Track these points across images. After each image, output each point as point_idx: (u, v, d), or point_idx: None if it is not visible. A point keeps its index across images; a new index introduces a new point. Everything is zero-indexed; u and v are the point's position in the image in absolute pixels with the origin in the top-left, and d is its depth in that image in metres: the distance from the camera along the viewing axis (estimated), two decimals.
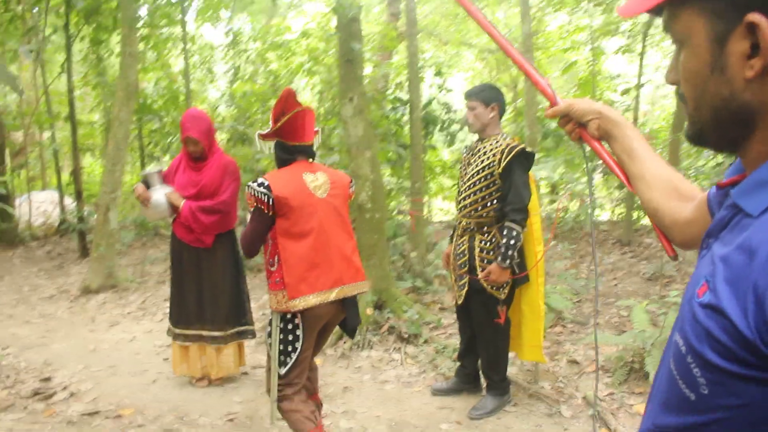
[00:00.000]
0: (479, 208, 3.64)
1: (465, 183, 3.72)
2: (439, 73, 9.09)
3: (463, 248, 3.73)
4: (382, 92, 9.14)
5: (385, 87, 9.44)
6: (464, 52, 17.69)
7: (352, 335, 3.10)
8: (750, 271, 0.67)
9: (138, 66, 10.54)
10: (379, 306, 5.24)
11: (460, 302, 3.79)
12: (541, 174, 6.76)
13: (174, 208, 4.10)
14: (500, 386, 3.78)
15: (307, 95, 12.93)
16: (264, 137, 2.92)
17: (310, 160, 2.98)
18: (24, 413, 3.98)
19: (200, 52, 13.41)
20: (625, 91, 9.07)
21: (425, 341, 4.87)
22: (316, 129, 3.01)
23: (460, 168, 3.87)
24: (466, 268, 3.69)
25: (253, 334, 4.41)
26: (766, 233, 0.68)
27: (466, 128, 10.76)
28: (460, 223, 3.78)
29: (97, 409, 3.98)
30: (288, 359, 2.83)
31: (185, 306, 4.23)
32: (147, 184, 4.13)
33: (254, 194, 2.74)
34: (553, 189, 10.05)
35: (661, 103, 18.63)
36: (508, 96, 12.69)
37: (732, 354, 0.67)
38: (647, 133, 12.18)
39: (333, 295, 2.84)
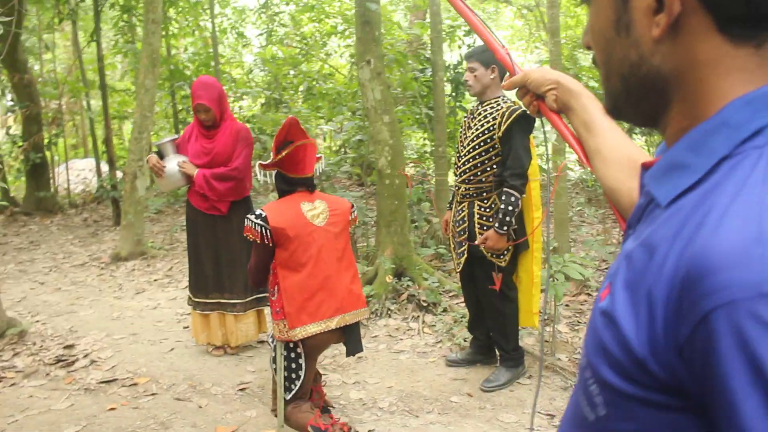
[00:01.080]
0: (478, 173, 3.50)
1: (465, 147, 3.59)
2: (469, 33, 8.80)
3: (462, 215, 3.61)
4: (415, 54, 8.93)
5: (419, 48, 9.21)
6: (504, 10, 17.18)
7: (350, 355, 3.11)
8: (647, 273, 0.55)
9: (163, 32, 10.59)
10: (399, 274, 5.16)
11: (458, 270, 3.71)
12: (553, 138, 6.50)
13: (188, 177, 4.07)
14: (513, 357, 3.67)
15: (342, 60, 12.80)
16: (265, 167, 2.93)
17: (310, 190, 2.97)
18: (46, 380, 4.06)
19: (232, 16, 13.34)
20: None
21: (444, 310, 4.79)
22: (318, 155, 3.02)
23: (460, 132, 3.73)
24: (465, 235, 3.58)
25: None
26: (670, 228, 0.55)
27: None
28: (458, 189, 3.65)
29: (114, 377, 4.04)
30: (293, 386, 2.90)
31: (203, 274, 4.23)
32: (160, 155, 4.10)
33: (252, 227, 2.76)
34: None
35: None
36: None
37: (626, 372, 0.56)
38: None
39: (333, 323, 2.87)
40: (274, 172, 2.97)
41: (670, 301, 0.51)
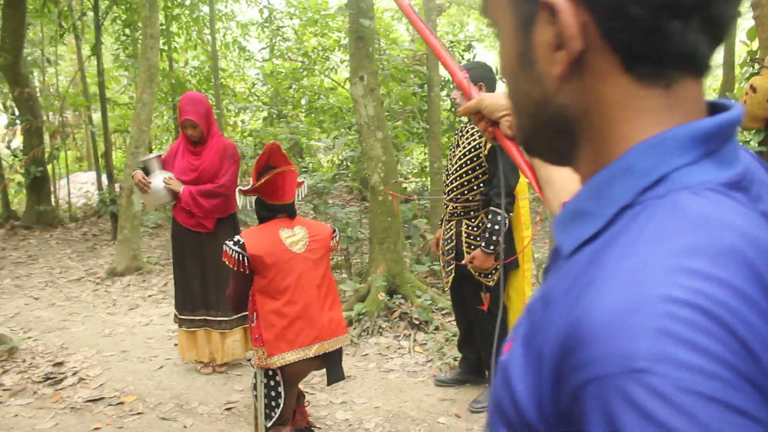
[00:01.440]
0: (465, 192, 3.47)
1: (453, 166, 3.56)
2: (468, 48, 8.81)
3: (450, 233, 3.58)
4: (414, 69, 8.93)
5: (416, 63, 9.21)
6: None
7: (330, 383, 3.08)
8: (539, 331, 0.51)
9: (165, 47, 10.64)
10: (392, 291, 5.12)
11: (446, 288, 3.69)
12: None
13: (174, 194, 4.06)
14: None
15: (345, 73, 12.81)
16: (245, 193, 2.92)
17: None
18: (33, 398, 4.03)
19: (236, 29, 13.39)
20: None
21: (436, 328, 4.74)
22: (300, 180, 3.02)
23: (450, 150, 3.71)
24: (453, 254, 3.55)
25: None
26: (565, 283, 0.51)
27: None
28: (446, 207, 3.62)
29: (101, 396, 4.00)
30: (273, 413, 2.87)
31: (189, 291, 4.21)
32: (146, 171, 4.09)
33: (230, 254, 2.74)
34: None
35: (715, 73, 17.74)
36: None
37: None
38: None
39: (312, 351, 2.84)
40: (254, 198, 2.95)
41: (554, 367, 0.47)
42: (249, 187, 2.87)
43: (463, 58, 8.47)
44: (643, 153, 0.52)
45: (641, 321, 0.42)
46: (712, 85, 16.06)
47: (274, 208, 2.87)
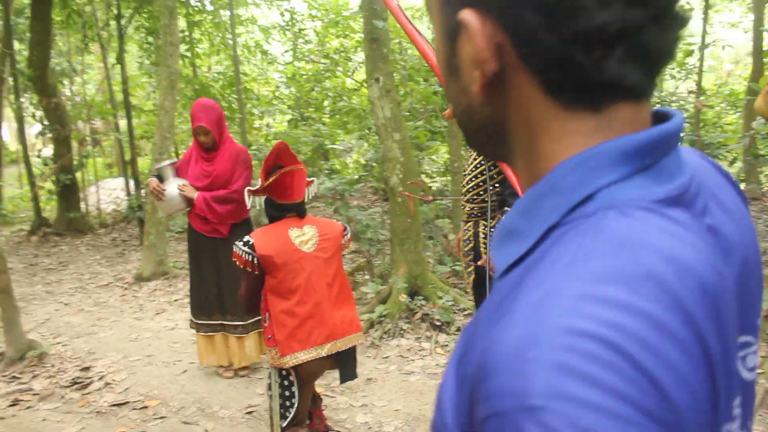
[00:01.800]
0: (481, 192, 3.44)
1: (469, 166, 3.54)
2: None
3: (468, 234, 3.56)
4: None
5: None
6: None
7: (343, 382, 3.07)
8: (466, 354, 0.49)
9: (188, 53, 10.77)
10: (413, 292, 5.10)
11: (468, 290, 3.66)
12: None
13: (188, 200, 4.10)
14: None
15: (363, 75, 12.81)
16: (254, 193, 2.93)
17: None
18: (60, 403, 4.11)
19: (256, 33, 13.50)
20: (687, 53, 8.35)
21: (458, 329, 4.71)
22: (310, 179, 3.02)
23: (467, 150, 3.69)
24: (472, 255, 3.52)
25: None
26: (492, 305, 0.49)
27: None
28: (464, 208, 3.60)
29: (126, 400, 4.06)
30: (288, 413, 2.88)
31: (206, 296, 4.25)
32: (160, 178, 4.14)
33: (240, 254, 2.75)
34: None
35: (746, 61, 17.28)
36: None
37: None
38: (727, 94, 11.33)
39: (324, 350, 2.84)
40: (263, 198, 2.96)
41: (470, 393, 0.46)
42: (258, 187, 2.87)
43: None
44: (568, 170, 0.50)
45: (540, 355, 0.40)
46: (743, 73, 15.72)
47: (283, 207, 2.86)
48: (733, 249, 0.54)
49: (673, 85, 10.10)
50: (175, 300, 6.47)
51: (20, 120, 10.50)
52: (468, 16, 0.50)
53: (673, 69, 9.03)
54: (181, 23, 10.88)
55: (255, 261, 2.73)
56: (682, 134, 0.53)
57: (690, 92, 9.56)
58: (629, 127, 0.50)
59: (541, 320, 0.41)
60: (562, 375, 0.38)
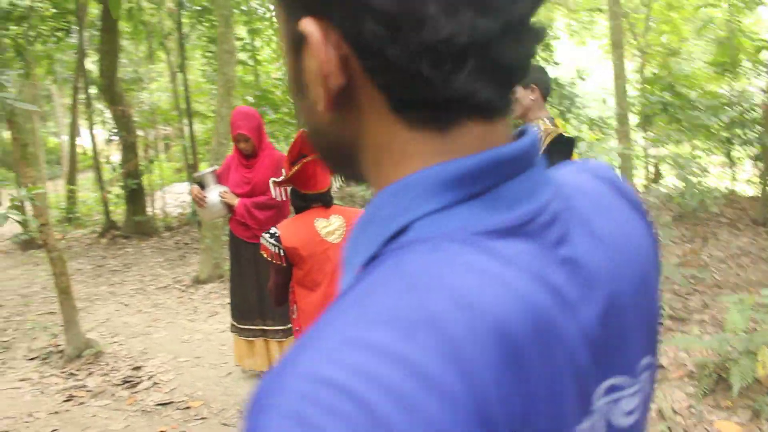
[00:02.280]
0: None
1: None
2: (546, 47, 8.58)
3: None
4: None
5: None
6: (597, 18, 16.64)
7: None
8: None
9: (250, 60, 11.02)
10: None
11: None
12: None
13: (229, 207, 4.17)
14: None
15: None
16: (279, 184, 2.91)
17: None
18: (110, 400, 4.27)
19: None
20: (759, 48, 7.92)
21: None
22: None
23: None
24: None
25: None
26: None
27: (579, 103, 10.12)
28: None
29: (171, 400, 4.18)
30: None
31: (247, 301, 4.32)
32: (201, 185, 4.23)
33: (267, 246, 2.74)
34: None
35: None
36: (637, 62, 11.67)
37: None
38: None
39: None
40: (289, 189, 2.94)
41: None
42: (282, 178, 2.84)
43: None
44: (385, 201, 0.47)
45: (279, 402, 0.37)
46: None
47: (308, 197, 2.82)
48: (596, 282, 0.49)
49: (744, 84, 9.63)
50: (228, 303, 6.59)
51: (91, 127, 11.00)
52: (309, 26, 0.46)
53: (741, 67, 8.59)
54: (243, 31, 11.16)
55: (282, 253, 2.71)
56: (535, 155, 0.49)
57: (763, 91, 9.09)
58: (478, 149, 0.47)
59: (294, 363, 0.39)
60: (292, 425, 0.36)
